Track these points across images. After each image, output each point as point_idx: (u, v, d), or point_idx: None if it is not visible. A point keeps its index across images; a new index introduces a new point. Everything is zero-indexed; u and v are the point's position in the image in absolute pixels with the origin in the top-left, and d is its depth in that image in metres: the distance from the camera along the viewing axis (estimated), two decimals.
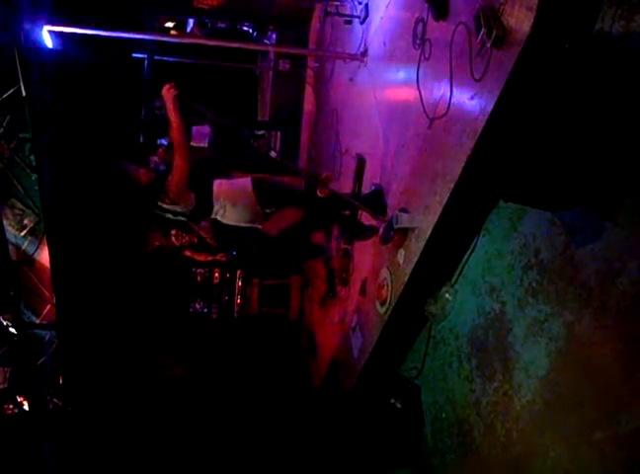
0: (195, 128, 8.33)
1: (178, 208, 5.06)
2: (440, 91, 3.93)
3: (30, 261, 8.08)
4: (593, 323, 3.00)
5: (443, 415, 4.65)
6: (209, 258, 6.09)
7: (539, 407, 3.42)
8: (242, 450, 7.65)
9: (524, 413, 3.55)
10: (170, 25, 9.68)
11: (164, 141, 7.77)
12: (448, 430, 4.57)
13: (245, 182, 5.17)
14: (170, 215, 5.08)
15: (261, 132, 10.36)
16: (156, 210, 5.03)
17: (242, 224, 5.22)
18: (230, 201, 5.13)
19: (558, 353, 3.26)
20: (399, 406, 5.11)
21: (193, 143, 7.12)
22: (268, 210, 5.31)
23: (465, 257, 4.26)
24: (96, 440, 7.88)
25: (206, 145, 6.96)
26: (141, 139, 9.72)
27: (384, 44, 5.69)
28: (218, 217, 5.17)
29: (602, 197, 3.03)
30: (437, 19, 4.14)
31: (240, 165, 5.24)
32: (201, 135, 7.75)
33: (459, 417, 4.38)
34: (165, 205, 5.00)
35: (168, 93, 4.62)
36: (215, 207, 5.12)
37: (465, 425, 4.27)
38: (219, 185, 5.19)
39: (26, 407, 7.97)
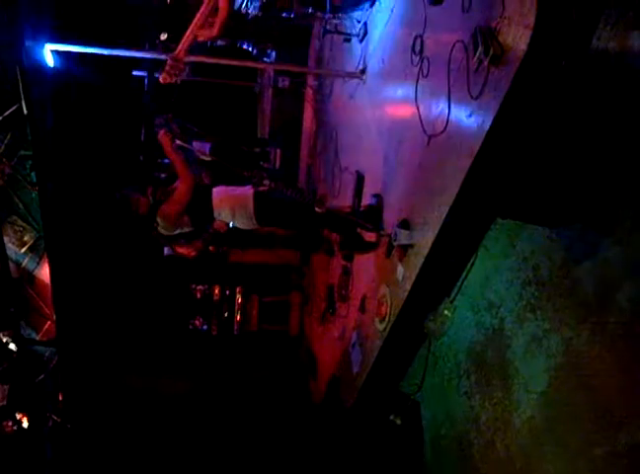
0: (194, 143, 8.37)
1: (176, 232, 5.16)
2: (439, 108, 3.96)
3: (30, 277, 8.08)
4: (591, 339, 3.01)
5: (443, 431, 4.64)
6: (198, 245, 6.07)
7: (538, 423, 3.42)
8: (243, 466, 7.62)
9: (524, 429, 3.55)
10: (164, 37, 9.70)
11: (166, 160, 7.81)
12: (448, 446, 4.56)
13: (247, 195, 5.19)
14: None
15: (257, 150, 10.39)
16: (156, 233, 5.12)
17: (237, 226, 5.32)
18: (229, 210, 5.17)
19: (557, 368, 3.26)
20: (399, 422, 5.10)
21: (195, 155, 7.20)
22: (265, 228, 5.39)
23: (464, 273, 4.27)
24: (96, 458, 7.85)
25: (209, 158, 7.01)
26: (141, 158, 9.76)
27: (383, 62, 5.73)
28: (216, 217, 5.24)
29: (600, 213, 3.05)
30: (433, 3, 4.19)
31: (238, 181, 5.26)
32: (202, 149, 7.79)
33: (459, 433, 4.37)
34: (162, 231, 5.08)
35: (164, 138, 4.79)
36: (215, 213, 5.18)
37: (465, 441, 4.26)
38: (219, 192, 5.23)
39: (25, 424, 7.95)
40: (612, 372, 2.89)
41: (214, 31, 4.64)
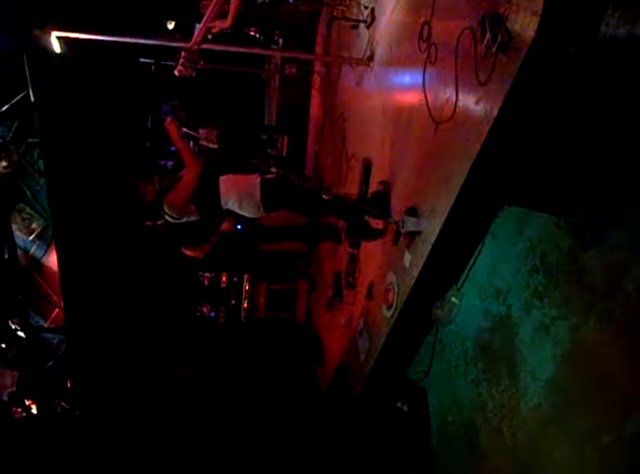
0: (201, 131, 8.37)
1: (182, 220, 5.19)
2: (446, 95, 3.94)
3: (38, 265, 8.12)
4: (598, 326, 3.01)
5: (450, 418, 4.65)
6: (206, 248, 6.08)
7: (545, 410, 3.42)
8: (249, 455, 7.65)
9: (531, 416, 3.55)
10: (171, 26, 9.68)
11: (173, 148, 7.82)
12: (455, 433, 4.57)
13: (254, 183, 5.19)
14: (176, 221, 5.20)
15: (264, 137, 10.36)
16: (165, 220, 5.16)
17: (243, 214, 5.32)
18: (236, 198, 5.18)
19: (564, 356, 3.26)
20: (406, 409, 5.11)
21: (202, 142, 7.20)
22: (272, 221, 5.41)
23: (471, 260, 4.26)
24: (103, 444, 7.90)
25: (216, 146, 7.02)
26: (148, 145, 9.77)
27: (390, 49, 5.71)
28: (222, 206, 5.25)
29: (608, 200, 3.04)
30: None
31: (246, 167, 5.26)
32: (209, 137, 7.80)
33: (466, 420, 4.38)
34: (169, 219, 5.11)
35: (170, 126, 4.82)
36: (222, 202, 5.19)
37: (471, 428, 4.27)
38: (226, 180, 5.25)
39: (34, 410, 8.01)
40: (619, 359, 2.89)
41: (227, 22, 4.63)
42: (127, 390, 8.64)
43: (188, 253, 5.79)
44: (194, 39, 4.84)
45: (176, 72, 4.83)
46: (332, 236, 7.34)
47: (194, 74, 4.89)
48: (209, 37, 4.88)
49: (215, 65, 9.50)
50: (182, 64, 4.76)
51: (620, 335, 2.88)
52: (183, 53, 4.77)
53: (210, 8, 4.74)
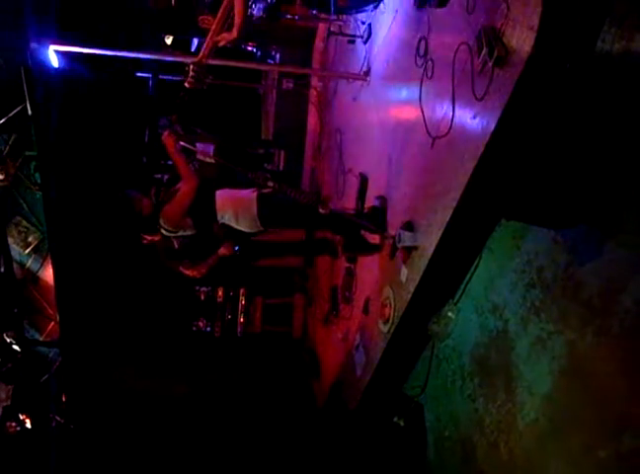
0: (198, 145, 8.38)
1: (178, 234, 5.20)
2: (443, 110, 3.96)
3: (34, 278, 8.10)
4: (595, 341, 3.00)
5: (447, 433, 4.63)
6: (203, 270, 6.07)
7: (542, 425, 3.41)
8: (246, 469, 7.61)
9: (527, 431, 3.54)
10: (169, 41, 9.71)
11: (169, 162, 7.84)
12: (452, 448, 4.55)
13: (250, 198, 5.20)
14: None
15: (261, 151, 10.39)
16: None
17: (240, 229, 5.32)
18: (232, 212, 5.18)
19: (561, 371, 3.26)
20: (402, 424, 5.10)
21: (199, 156, 7.23)
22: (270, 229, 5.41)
23: (468, 275, 4.26)
24: (99, 458, 7.85)
25: (213, 161, 7.05)
26: (144, 159, 9.76)
27: (387, 64, 5.73)
28: (219, 220, 5.25)
29: (605, 215, 3.04)
30: (437, 5, 4.21)
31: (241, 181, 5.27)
32: (206, 151, 7.82)
33: (462, 435, 4.36)
34: (165, 232, 5.12)
35: (167, 139, 4.83)
36: (218, 216, 5.19)
37: (468, 443, 4.25)
38: (222, 194, 5.25)
39: (28, 425, 7.96)
40: (617, 374, 2.88)
41: (234, 32, 4.62)
42: (123, 404, 8.60)
43: (185, 272, 5.79)
44: (202, 53, 4.84)
45: (186, 84, 4.84)
46: (329, 250, 7.33)
47: (204, 87, 4.90)
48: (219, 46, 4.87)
49: (213, 80, 9.53)
50: (192, 77, 4.77)
51: (617, 350, 2.88)
52: (192, 67, 4.79)
53: (215, 22, 4.73)
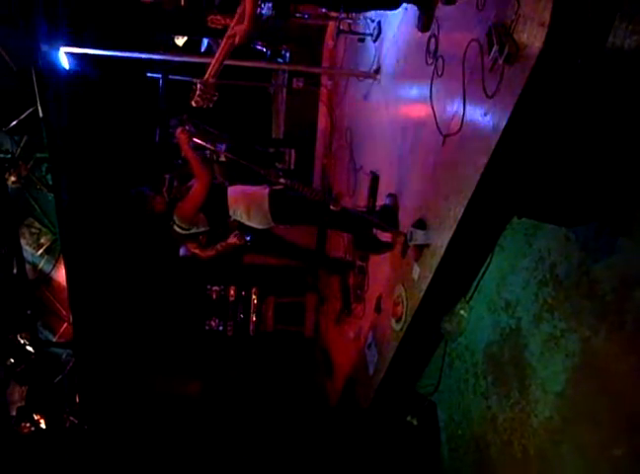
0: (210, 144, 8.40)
1: (192, 231, 5.25)
2: (454, 107, 3.94)
3: (46, 279, 8.14)
4: (609, 338, 2.99)
5: (460, 432, 4.62)
6: (210, 253, 6.10)
7: (556, 423, 3.39)
8: (259, 467, 7.63)
9: (541, 429, 3.53)
10: (180, 42, 9.72)
11: (180, 162, 7.85)
12: (465, 447, 4.54)
13: (262, 194, 5.21)
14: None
15: (271, 150, 10.37)
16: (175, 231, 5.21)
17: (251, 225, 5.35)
18: (244, 208, 5.21)
19: (574, 368, 3.24)
20: (415, 423, 5.09)
21: (211, 154, 7.27)
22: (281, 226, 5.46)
23: (480, 273, 4.25)
24: (112, 459, 7.88)
25: (224, 159, 7.08)
26: (155, 159, 9.77)
27: (397, 62, 5.72)
28: (231, 216, 5.29)
29: (617, 211, 3.03)
30: (446, 2, 4.21)
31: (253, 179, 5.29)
32: (218, 150, 7.84)
33: (476, 434, 4.35)
34: (178, 230, 5.16)
35: (181, 136, 4.87)
36: (230, 212, 5.23)
37: (482, 442, 4.24)
38: (234, 191, 5.28)
39: (42, 425, 8.00)
40: (631, 372, 2.87)
41: (245, 24, 4.55)
42: (136, 404, 8.63)
43: (193, 250, 5.85)
44: (208, 72, 4.81)
45: (193, 103, 4.84)
46: (340, 271, 7.39)
47: (210, 105, 4.90)
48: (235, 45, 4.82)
49: (223, 80, 9.53)
50: (199, 96, 4.76)
51: (632, 346, 2.86)
52: (198, 85, 4.78)
53: (224, 41, 4.70)
